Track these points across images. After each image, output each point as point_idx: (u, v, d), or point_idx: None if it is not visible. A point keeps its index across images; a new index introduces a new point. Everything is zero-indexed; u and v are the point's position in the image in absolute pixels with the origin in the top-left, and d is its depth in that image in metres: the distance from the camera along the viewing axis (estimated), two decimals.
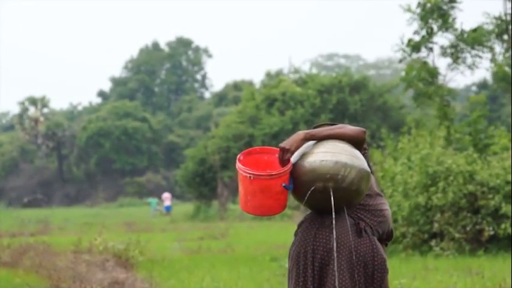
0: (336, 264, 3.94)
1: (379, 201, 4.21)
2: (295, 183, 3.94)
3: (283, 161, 3.92)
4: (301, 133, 3.95)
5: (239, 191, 4.03)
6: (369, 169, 3.97)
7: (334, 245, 3.95)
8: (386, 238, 4.28)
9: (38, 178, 69.82)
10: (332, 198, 3.88)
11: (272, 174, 3.86)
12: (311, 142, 4.03)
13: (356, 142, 4.03)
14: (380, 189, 4.32)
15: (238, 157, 4.04)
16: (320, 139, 3.99)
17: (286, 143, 3.91)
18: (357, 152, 3.98)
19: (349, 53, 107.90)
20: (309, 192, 3.89)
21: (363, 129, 4.04)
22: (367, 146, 4.26)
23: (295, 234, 4.14)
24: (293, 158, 3.99)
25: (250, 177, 3.88)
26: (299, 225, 4.15)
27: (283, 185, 3.88)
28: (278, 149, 3.98)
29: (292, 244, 4.12)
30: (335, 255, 3.95)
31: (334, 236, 3.97)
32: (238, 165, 3.97)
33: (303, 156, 3.94)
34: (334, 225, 3.97)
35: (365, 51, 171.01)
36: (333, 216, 3.96)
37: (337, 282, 3.92)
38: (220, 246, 17.50)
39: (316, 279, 3.99)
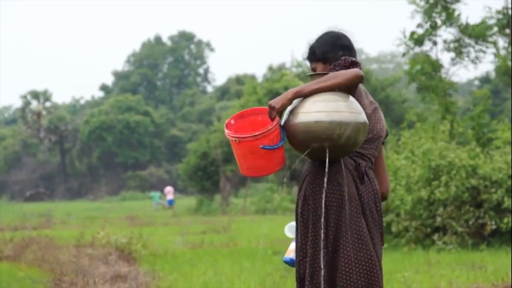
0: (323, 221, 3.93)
1: (373, 121, 4.15)
2: (292, 141, 3.90)
3: (271, 118, 3.88)
4: (290, 92, 3.87)
5: (235, 157, 4.01)
6: (365, 118, 3.88)
7: (323, 201, 3.94)
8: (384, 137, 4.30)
9: (40, 172, 69.93)
10: (327, 156, 3.86)
11: (256, 135, 3.83)
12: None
13: (351, 88, 3.93)
14: (372, 99, 4.24)
15: (228, 121, 4.02)
16: (311, 94, 3.88)
17: (273, 101, 3.84)
18: (353, 104, 3.87)
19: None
20: (305, 153, 3.89)
21: (359, 73, 3.87)
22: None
23: (300, 187, 4.10)
24: (285, 115, 3.94)
25: (236, 140, 3.86)
26: (303, 178, 4.09)
27: (261, 146, 3.83)
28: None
29: (300, 198, 4.08)
30: (323, 211, 3.93)
31: (324, 194, 3.95)
32: (225, 130, 3.95)
33: (297, 115, 3.87)
34: (325, 185, 3.95)
35: (367, 45, 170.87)
36: (325, 177, 3.94)
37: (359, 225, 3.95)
38: (223, 240, 17.49)
39: (330, 240, 3.95)
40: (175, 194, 45.95)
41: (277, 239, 17.09)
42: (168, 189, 42.86)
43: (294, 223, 4.44)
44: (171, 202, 41.79)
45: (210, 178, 39.53)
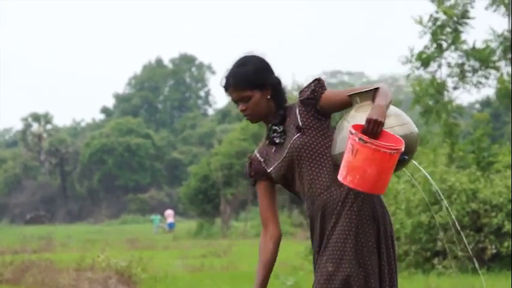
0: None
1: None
2: None
3: (376, 134, 3.59)
4: (383, 105, 3.69)
5: (367, 173, 3.56)
6: None
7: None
8: None
9: (40, 194, 69.81)
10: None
11: (401, 147, 3.58)
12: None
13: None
14: None
15: (361, 138, 3.58)
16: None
17: (378, 115, 3.62)
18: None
19: (353, 70, 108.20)
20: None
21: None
22: None
23: (351, 204, 3.85)
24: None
25: (393, 153, 3.54)
26: (354, 195, 3.87)
27: (405, 157, 3.64)
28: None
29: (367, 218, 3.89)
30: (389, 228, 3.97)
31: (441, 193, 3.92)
32: (376, 143, 3.56)
33: (391, 129, 3.68)
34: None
35: (368, 68, 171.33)
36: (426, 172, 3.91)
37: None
38: (223, 264, 17.46)
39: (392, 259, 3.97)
40: (175, 217, 45.90)
41: (277, 262, 17.05)
42: (169, 212, 42.84)
43: None
44: (171, 225, 41.75)
45: (210, 201, 39.49)
